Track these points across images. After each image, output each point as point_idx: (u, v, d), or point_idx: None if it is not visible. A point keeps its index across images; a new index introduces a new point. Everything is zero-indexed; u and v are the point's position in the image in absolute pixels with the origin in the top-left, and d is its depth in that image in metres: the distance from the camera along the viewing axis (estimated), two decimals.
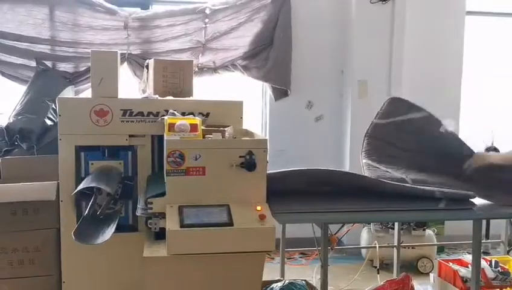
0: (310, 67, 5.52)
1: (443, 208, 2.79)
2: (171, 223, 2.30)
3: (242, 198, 2.44)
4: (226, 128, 2.72)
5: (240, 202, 2.42)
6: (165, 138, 2.49)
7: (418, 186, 2.89)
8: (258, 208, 2.41)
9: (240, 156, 2.44)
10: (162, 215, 2.40)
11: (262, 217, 2.36)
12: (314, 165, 2.90)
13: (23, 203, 3.23)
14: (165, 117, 2.70)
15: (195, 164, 2.42)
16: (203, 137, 2.58)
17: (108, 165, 2.99)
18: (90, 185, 2.71)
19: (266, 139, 2.57)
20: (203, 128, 2.67)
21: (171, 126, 2.55)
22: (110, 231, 2.52)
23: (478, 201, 2.91)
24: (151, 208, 2.43)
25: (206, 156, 2.43)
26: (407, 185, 2.92)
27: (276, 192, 2.58)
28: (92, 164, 2.98)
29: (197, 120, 2.63)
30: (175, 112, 2.82)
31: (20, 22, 4.94)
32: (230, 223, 2.33)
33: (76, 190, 2.76)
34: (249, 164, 2.44)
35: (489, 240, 5.09)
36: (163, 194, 2.45)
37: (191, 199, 2.42)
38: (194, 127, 2.55)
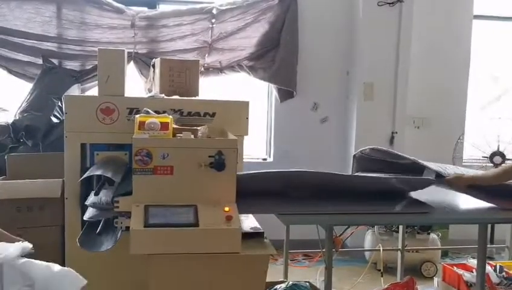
0: (316, 68, 5.51)
1: (399, 212, 2.71)
2: (134, 223, 2.26)
3: (211, 198, 2.38)
4: (199, 128, 2.64)
5: (209, 203, 2.36)
6: (133, 136, 2.43)
7: (381, 177, 2.81)
8: (226, 208, 2.36)
9: (210, 156, 2.38)
10: (129, 215, 2.34)
11: (228, 218, 2.30)
12: (318, 167, 2.89)
13: (28, 200, 3.25)
14: (137, 115, 2.62)
15: (163, 163, 2.36)
16: (174, 136, 2.51)
17: (114, 155, 3.00)
18: (96, 173, 2.70)
19: (236, 139, 2.50)
20: (176, 126, 2.60)
21: (141, 124, 2.48)
22: (114, 238, 2.50)
23: (438, 205, 2.82)
24: (117, 207, 2.38)
25: (174, 155, 2.37)
26: (370, 175, 2.83)
27: (248, 192, 2.49)
28: (97, 154, 3.00)
29: (169, 118, 2.55)
30: (149, 110, 2.74)
31: (27, 20, 4.95)
32: (195, 224, 2.28)
33: (82, 177, 2.76)
34: (218, 164, 2.37)
35: (493, 245, 5.06)
36: (131, 192, 2.39)
37: (158, 198, 2.36)
38: (164, 126, 2.49)
